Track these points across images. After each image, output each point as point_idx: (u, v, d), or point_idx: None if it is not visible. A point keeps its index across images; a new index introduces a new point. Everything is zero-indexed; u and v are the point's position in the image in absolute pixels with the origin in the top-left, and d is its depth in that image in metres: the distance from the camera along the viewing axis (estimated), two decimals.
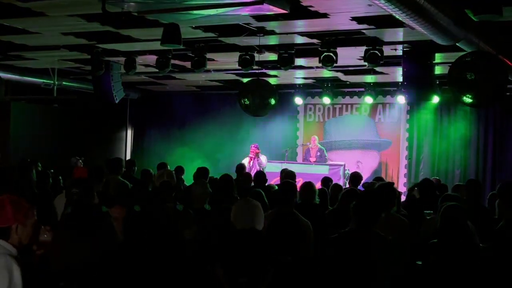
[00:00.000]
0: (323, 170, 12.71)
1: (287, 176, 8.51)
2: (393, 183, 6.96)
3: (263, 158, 13.12)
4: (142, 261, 3.52)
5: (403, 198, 8.90)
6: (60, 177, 9.12)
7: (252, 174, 11.37)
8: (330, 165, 13.44)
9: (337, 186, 8.90)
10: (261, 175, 8.83)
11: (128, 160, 11.92)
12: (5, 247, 3.25)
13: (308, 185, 7.32)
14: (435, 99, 12.60)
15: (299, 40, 9.81)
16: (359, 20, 8.30)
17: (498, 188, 5.56)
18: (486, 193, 8.93)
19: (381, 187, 6.13)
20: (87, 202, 4.79)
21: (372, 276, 4.40)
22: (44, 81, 13.56)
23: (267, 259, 2.35)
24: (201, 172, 8.87)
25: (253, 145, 13.29)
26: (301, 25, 8.86)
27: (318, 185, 8.11)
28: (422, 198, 7.44)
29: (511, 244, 4.85)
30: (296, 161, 14.84)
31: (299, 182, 11.79)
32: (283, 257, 4.01)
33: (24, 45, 10.87)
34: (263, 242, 2.37)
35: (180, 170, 11.13)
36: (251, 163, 12.87)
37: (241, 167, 10.32)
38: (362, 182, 9.66)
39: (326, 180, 9.66)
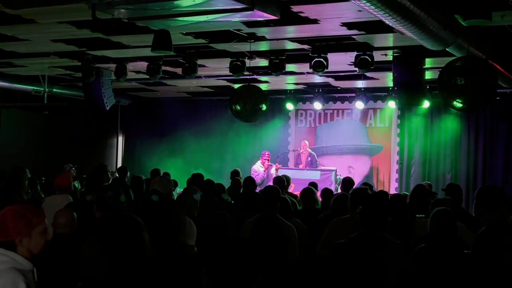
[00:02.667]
0: (314, 176, 12.70)
1: (276, 183, 8.51)
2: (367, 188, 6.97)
3: (273, 170, 12.74)
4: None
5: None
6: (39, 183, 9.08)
7: (269, 182, 11.31)
8: (321, 170, 13.44)
9: (329, 190, 8.91)
10: (251, 181, 8.82)
11: (120, 167, 11.88)
12: (15, 260, 3.10)
13: (308, 191, 7.32)
14: (426, 104, 12.64)
15: (290, 46, 9.83)
16: (349, 25, 8.33)
17: (477, 192, 5.60)
18: None
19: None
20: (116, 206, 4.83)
21: (384, 280, 4.38)
22: (35, 88, 13.52)
23: (255, 266, 2.34)
24: (196, 179, 8.86)
25: (266, 153, 13.01)
26: (291, 31, 8.88)
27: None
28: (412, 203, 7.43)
29: (494, 250, 4.88)
30: (288, 166, 14.83)
31: (290, 188, 11.85)
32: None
33: (14, 52, 10.83)
34: (250, 249, 2.35)
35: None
36: (266, 171, 12.65)
37: (234, 173, 10.33)
38: (354, 187, 9.66)
39: (312, 186, 9.65)
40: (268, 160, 12.76)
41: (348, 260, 4.46)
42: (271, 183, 11.77)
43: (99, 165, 8.64)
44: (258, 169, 12.67)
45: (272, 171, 12.62)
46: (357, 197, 5.70)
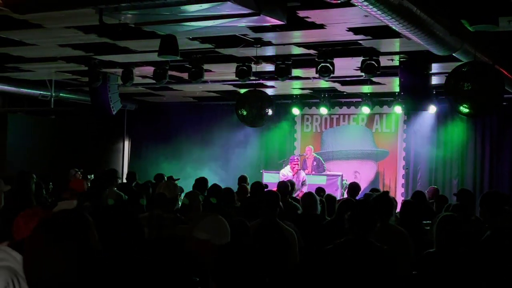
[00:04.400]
0: (320, 180, 12.70)
1: (280, 188, 8.50)
2: (388, 192, 6.94)
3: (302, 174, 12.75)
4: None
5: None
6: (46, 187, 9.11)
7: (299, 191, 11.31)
8: (327, 175, 13.44)
9: (331, 196, 8.91)
10: (258, 186, 8.82)
11: (129, 172, 11.91)
12: (16, 259, 3.17)
13: (309, 196, 7.31)
14: (432, 109, 12.63)
15: (296, 51, 9.83)
16: (355, 31, 8.32)
17: (481, 198, 5.61)
18: None
19: (376, 197, 6.14)
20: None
21: (370, 286, 4.38)
22: (41, 92, 13.56)
23: (262, 270, 2.34)
24: (199, 183, 8.87)
25: (295, 157, 12.96)
26: (298, 36, 8.89)
27: None
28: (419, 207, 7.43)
29: (498, 254, 4.88)
30: None
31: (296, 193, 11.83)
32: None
33: (21, 57, 10.87)
34: (256, 254, 2.35)
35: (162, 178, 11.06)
36: (295, 176, 12.64)
37: (241, 179, 10.34)
38: (361, 192, 9.66)
39: (319, 191, 9.66)
40: (298, 164, 12.75)
41: (335, 266, 4.45)
42: (303, 188, 11.83)
43: (107, 171, 8.64)
44: (287, 174, 12.61)
45: (302, 175, 12.60)
46: (379, 205, 5.67)
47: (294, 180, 12.38)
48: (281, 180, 12.48)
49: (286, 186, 8.63)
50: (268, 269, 2.36)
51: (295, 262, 5.64)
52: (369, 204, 4.77)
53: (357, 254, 4.41)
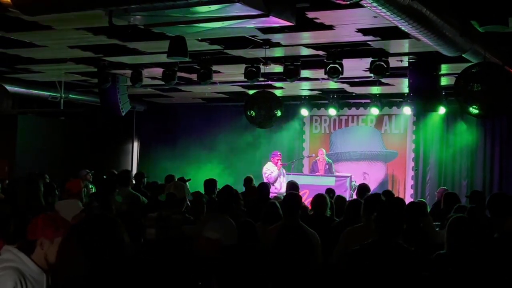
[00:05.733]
0: (329, 182, 12.67)
1: (290, 187, 8.50)
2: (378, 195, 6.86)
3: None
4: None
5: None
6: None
7: (282, 182, 11.40)
8: (336, 176, 13.41)
9: (341, 198, 8.91)
10: (264, 187, 8.82)
11: (137, 173, 11.94)
12: (23, 261, 3.15)
13: (320, 198, 7.31)
14: (441, 110, 12.58)
15: (305, 52, 9.83)
16: (364, 31, 8.32)
17: (488, 200, 5.58)
18: None
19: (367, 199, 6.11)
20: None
21: (398, 287, 4.36)
22: (51, 94, 13.62)
23: (265, 273, 2.34)
24: (209, 184, 8.88)
25: (278, 153, 13.03)
26: (306, 37, 8.89)
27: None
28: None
29: (507, 256, 4.86)
30: (302, 172, 14.82)
31: (305, 194, 11.84)
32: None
33: (31, 58, 10.93)
34: (260, 257, 2.35)
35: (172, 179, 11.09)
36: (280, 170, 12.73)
37: (248, 180, 10.34)
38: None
39: (328, 192, 9.64)
40: (280, 159, 12.80)
41: (362, 267, 4.44)
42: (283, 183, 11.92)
43: (121, 172, 8.67)
44: (271, 168, 12.65)
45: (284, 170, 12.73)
46: (371, 204, 5.68)
47: (279, 175, 12.46)
48: (265, 175, 12.51)
49: (297, 186, 8.64)
50: (272, 272, 2.36)
51: (318, 263, 5.63)
52: (396, 205, 4.74)
53: (384, 256, 4.39)
